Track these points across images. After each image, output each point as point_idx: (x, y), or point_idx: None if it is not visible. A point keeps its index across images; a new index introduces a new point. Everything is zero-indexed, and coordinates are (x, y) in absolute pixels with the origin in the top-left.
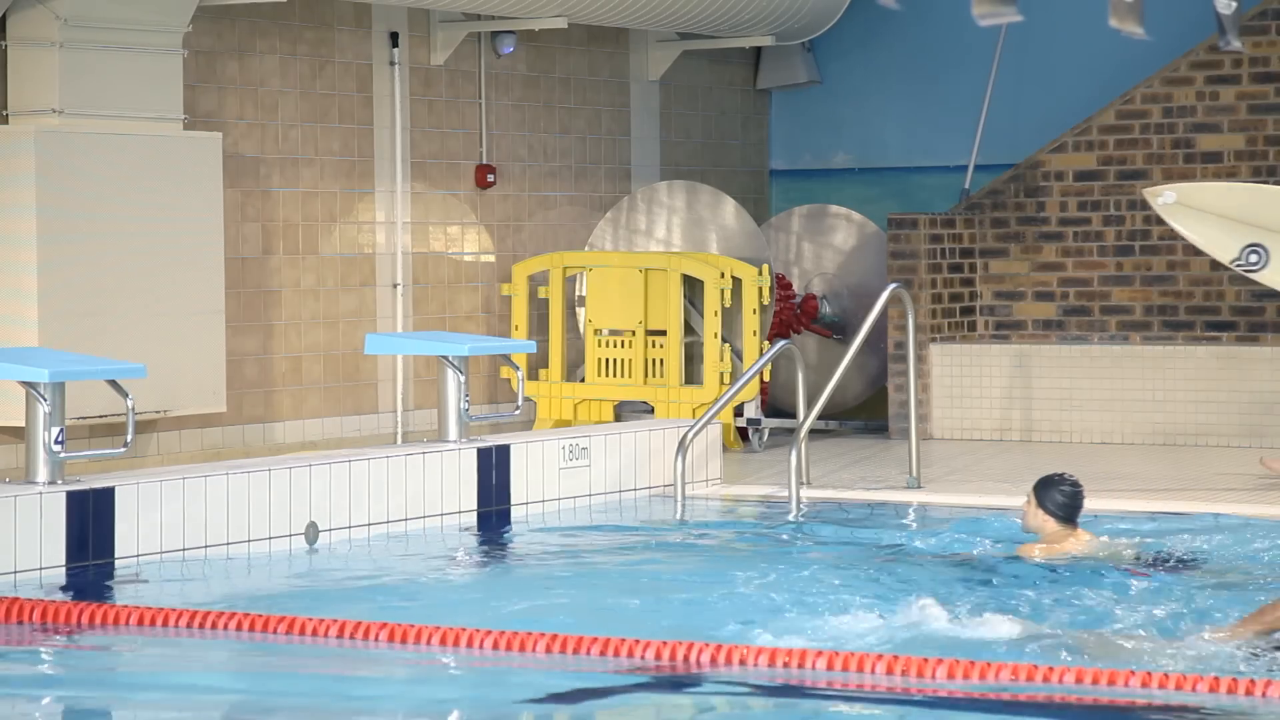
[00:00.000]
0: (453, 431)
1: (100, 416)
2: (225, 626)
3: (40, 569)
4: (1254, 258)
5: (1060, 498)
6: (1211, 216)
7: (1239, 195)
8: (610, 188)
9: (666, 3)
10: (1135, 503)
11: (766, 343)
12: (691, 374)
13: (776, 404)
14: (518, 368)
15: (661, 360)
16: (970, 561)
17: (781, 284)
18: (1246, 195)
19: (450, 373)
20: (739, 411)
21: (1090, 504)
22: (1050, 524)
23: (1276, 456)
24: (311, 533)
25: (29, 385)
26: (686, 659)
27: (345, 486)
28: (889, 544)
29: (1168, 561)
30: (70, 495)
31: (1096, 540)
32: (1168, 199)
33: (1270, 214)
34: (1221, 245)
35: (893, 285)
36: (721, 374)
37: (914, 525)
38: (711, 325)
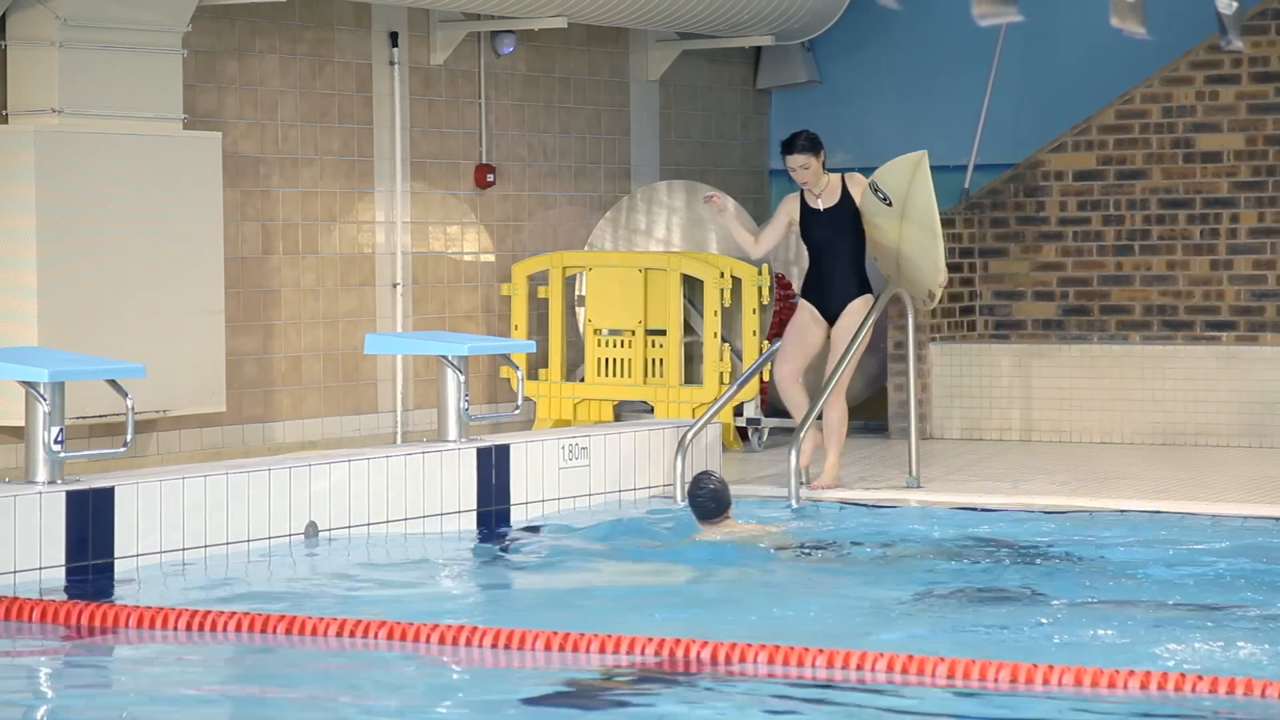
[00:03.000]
0: (452, 431)
1: (100, 416)
2: (225, 626)
3: (40, 569)
4: (881, 196)
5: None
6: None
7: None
8: (610, 187)
9: (666, 3)
10: (1135, 503)
11: (766, 342)
12: (691, 374)
13: (776, 404)
14: (517, 367)
15: (661, 360)
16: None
17: (781, 284)
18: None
19: (450, 372)
20: (739, 411)
21: (1090, 504)
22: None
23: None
24: (311, 532)
25: (29, 385)
26: (686, 656)
27: (345, 486)
28: (886, 543)
29: (818, 545)
30: (70, 495)
31: (749, 527)
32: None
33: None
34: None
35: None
36: (721, 374)
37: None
38: (711, 325)
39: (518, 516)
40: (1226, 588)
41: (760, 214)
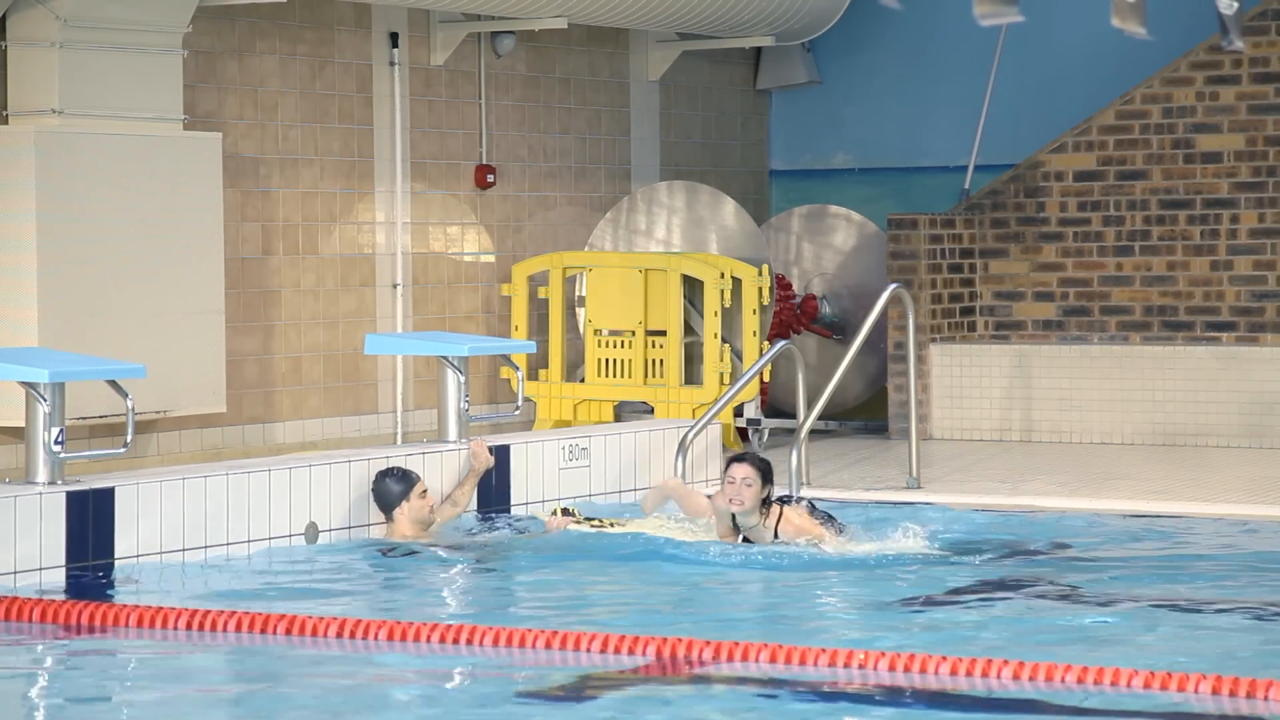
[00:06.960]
0: (453, 431)
1: (100, 416)
2: (225, 626)
3: (40, 569)
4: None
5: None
6: None
7: None
8: (610, 188)
9: (666, 3)
10: (1135, 503)
11: (766, 343)
12: (691, 374)
13: (776, 404)
14: (518, 368)
15: (661, 360)
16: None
17: (781, 284)
18: None
19: (450, 373)
20: (739, 412)
21: (1090, 504)
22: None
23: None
24: (311, 533)
25: (29, 385)
26: (687, 656)
27: (345, 486)
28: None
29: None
30: (70, 495)
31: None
32: None
33: None
34: None
35: (893, 285)
36: (721, 374)
37: None
38: (711, 325)
39: (518, 517)
40: (1226, 587)
41: (760, 214)
